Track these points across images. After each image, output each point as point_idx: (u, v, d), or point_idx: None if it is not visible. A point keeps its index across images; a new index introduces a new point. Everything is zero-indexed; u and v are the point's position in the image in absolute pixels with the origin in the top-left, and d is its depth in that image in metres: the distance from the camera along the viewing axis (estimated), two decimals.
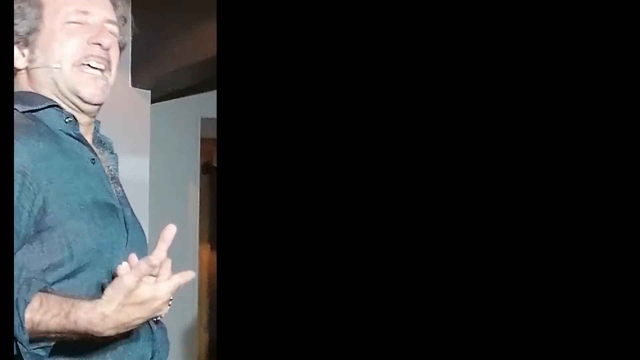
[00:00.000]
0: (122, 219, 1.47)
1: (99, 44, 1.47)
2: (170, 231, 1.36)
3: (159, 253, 1.36)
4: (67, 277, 1.37)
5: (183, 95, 3.78)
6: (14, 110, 1.46)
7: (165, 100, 3.68)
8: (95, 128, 1.55)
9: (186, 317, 3.53)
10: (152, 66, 3.31)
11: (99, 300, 1.29)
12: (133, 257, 1.32)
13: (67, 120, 1.47)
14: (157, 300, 1.30)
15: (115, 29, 1.53)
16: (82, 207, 1.41)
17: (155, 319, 1.42)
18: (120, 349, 1.39)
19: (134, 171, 3.22)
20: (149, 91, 3.51)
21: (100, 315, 1.28)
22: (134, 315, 1.29)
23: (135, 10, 3.40)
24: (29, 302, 1.29)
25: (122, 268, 1.30)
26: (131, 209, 1.54)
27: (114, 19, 1.53)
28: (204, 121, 3.92)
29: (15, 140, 1.37)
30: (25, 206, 1.36)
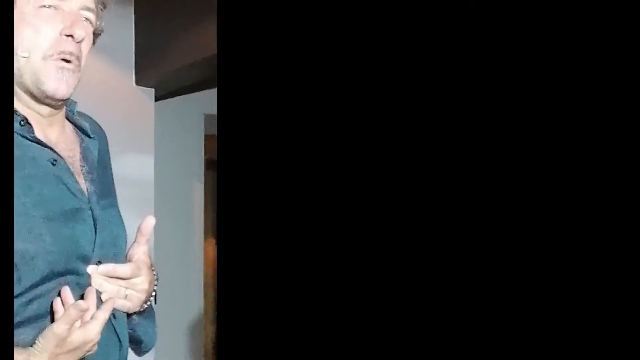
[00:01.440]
0: (91, 220, 1.38)
1: (71, 36, 1.34)
2: (148, 223, 1.36)
3: (138, 247, 1.37)
4: (16, 297, 1.32)
5: (186, 93, 3.73)
6: None
7: (168, 97, 3.65)
8: (70, 111, 1.45)
9: (193, 311, 3.50)
10: (156, 64, 3.25)
11: (32, 351, 1.26)
12: (66, 293, 1.27)
13: (21, 123, 1.36)
14: (89, 343, 1.28)
15: (91, 15, 1.39)
16: (29, 225, 1.33)
17: (142, 308, 1.40)
18: None
19: (138, 169, 3.18)
20: (153, 89, 3.46)
21: None
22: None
23: (138, 9, 3.36)
24: None
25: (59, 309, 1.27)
26: (110, 202, 1.45)
27: (92, 5, 1.39)
28: (208, 118, 3.87)
29: None
30: None
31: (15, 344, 1.28)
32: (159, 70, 3.28)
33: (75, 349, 1.27)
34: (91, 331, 1.27)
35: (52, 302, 1.31)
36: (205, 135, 3.83)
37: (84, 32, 1.36)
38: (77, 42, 1.36)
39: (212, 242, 4.00)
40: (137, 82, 3.32)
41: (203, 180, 3.86)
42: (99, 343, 1.32)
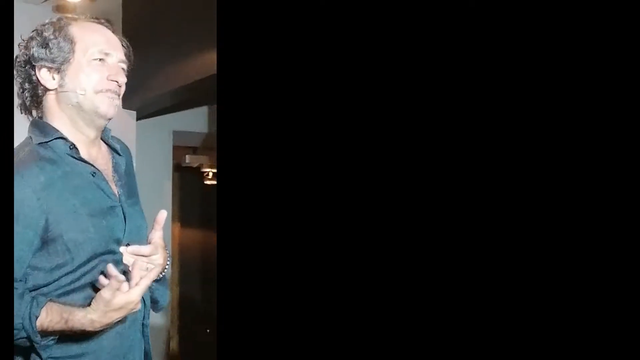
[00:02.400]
0: (121, 214, 1.47)
1: (116, 82, 1.48)
2: (162, 215, 1.47)
3: (155, 232, 1.47)
4: (69, 273, 1.40)
5: (160, 114, 3.97)
6: (29, 138, 1.47)
7: (147, 118, 3.88)
8: (105, 136, 1.55)
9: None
10: (138, 93, 3.37)
11: (88, 309, 1.36)
12: (110, 267, 1.35)
13: (70, 147, 1.46)
14: (131, 304, 1.36)
15: (125, 66, 1.53)
16: (78, 218, 1.40)
17: (158, 277, 1.47)
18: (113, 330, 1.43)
19: None
20: (135, 111, 3.69)
21: (89, 321, 1.35)
22: (114, 317, 1.36)
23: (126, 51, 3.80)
24: (38, 316, 1.35)
25: (102, 279, 1.36)
26: (134, 200, 1.54)
27: (125, 59, 1.52)
28: (175, 133, 4.14)
29: (19, 176, 1.37)
30: (33, 232, 1.38)
31: (72, 304, 1.37)
32: (139, 97, 3.41)
33: (120, 308, 1.35)
34: (133, 295, 1.35)
35: (99, 275, 1.38)
36: (174, 146, 4.13)
37: (123, 78, 1.49)
38: (119, 86, 1.48)
39: (177, 224, 4.32)
40: (123, 106, 2.91)
41: (171, 179, 4.14)
42: (134, 312, 1.41)
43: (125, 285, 1.34)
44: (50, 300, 1.37)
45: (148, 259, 1.45)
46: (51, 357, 1.38)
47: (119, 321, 1.38)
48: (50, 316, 1.35)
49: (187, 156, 4.34)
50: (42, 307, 1.34)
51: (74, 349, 1.41)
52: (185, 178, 4.45)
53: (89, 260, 1.40)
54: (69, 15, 1.52)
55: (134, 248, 1.44)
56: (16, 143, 1.40)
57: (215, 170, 4.39)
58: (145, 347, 1.52)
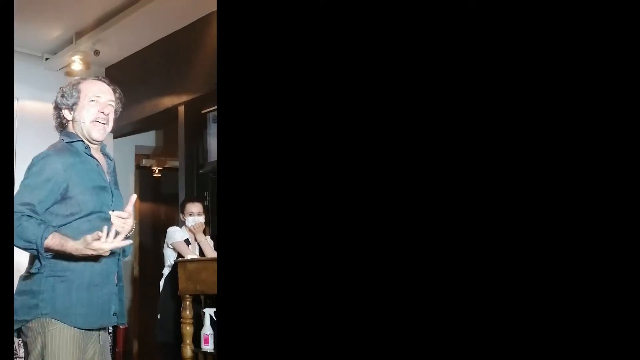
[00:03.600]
0: (110, 192, 1.91)
1: (103, 112, 1.89)
2: (133, 197, 1.92)
3: (128, 206, 1.89)
4: (78, 219, 1.82)
5: (127, 135, 5.13)
6: (62, 140, 1.90)
7: (120, 137, 4.96)
8: (102, 147, 1.97)
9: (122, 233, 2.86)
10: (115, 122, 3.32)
11: (77, 242, 1.73)
12: (104, 228, 1.70)
13: (86, 147, 1.89)
14: (102, 250, 1.76)
15: (113, 103, 1.92)
16: (86, 188, 1.82)
17: (128, 234, 1.84)
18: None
19: None
20: (112, 134, 4.46)
21: (75, 249, 1.74)
22: (89, 253, 1.75)
23: None
24: (46, 238, 1.73)
25: (103, 231, 1.72)
26: (117, 187, 1.95)
27: (113, 99, 1.92)
28: (136, 146, 5.35)
29: (56, 157, 1.81)
30: (57, 189, 1.80)
31: (72, 238, 1.76)
32: (115, 125, 1.98)
33: (94, 250, 1.75)
34: (105, 246, 1.75)
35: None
36: (135, 154, 5.28)
37: (109, 110, 1.92)
38: (106, 115, 1.90)
39: (137, 200, 3.79)
40: None
41: (134, 173, 5.26)
42: (113, 252, 1.82)
43: (103, 238, 1.70)
44: (56, 231, 1.75)
45: (124, 221, 1.84)
46: (51, 270, 1.74)
47: (101, 255, 1.77)
48: (53, 240, 1.75)
49: (143, 160, 5.40)
50: (50, 234, 1.74)
51: (64, 264, 1.78)
52: (142, 173, 5.51)
53: (89, 214, 1.82)
54: (83, 77, 1.99)
55: (117, 212, 1.85)
56: (19, 145, 2.08)
57: (160, 168, 5.64)
58: (118, 272, 1.91)
